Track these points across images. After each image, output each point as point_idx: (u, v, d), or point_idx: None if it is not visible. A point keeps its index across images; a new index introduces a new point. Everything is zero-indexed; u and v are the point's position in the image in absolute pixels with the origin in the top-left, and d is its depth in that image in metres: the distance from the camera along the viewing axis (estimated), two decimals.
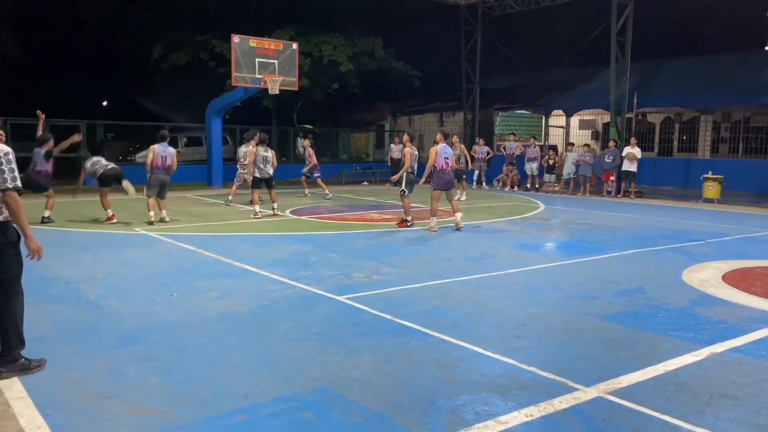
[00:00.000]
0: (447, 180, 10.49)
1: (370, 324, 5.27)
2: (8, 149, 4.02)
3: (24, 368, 4.06)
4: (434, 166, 10.37)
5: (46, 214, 10.77)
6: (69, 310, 5.56)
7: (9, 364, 4.05)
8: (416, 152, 10.95)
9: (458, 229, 10.47)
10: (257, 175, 12.09)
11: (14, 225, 4.07)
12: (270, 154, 12.16)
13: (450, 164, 10.51)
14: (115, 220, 10.85)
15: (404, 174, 10.78)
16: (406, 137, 11.35)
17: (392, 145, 21.04)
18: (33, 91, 29.55)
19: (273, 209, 12.37)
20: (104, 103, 37.78)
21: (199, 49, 23.58)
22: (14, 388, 3.84)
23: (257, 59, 17.10)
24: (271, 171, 12.14)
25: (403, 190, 10.78)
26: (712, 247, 9.43)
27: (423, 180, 11.03)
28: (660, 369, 4.28)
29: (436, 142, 10.58)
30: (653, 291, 6.54)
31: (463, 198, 15.27)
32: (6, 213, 4.01)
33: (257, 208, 11.99)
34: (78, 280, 6.69)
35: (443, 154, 10.38)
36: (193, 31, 23.66)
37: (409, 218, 10.82)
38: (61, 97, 30.54)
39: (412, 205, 11.12)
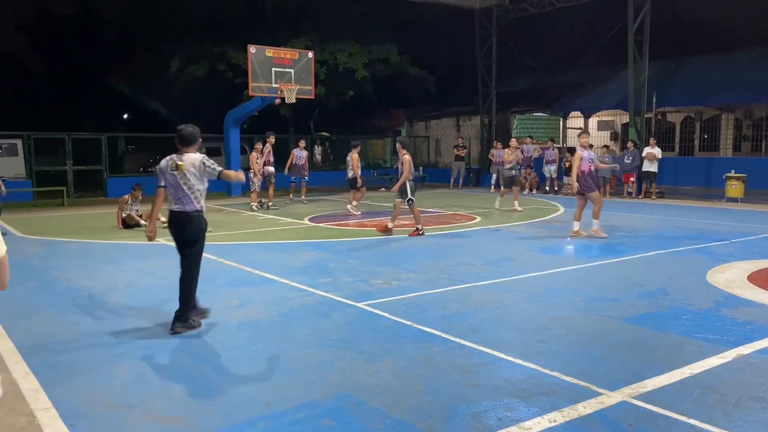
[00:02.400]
0: (581, 184, 10.18)
1: (389, 330, 5.25)
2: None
3: (192, 326, 5.14)
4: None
5: None
6: (91, 320, 5.63)
7: (182, 323, 5.11)
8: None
9: (580, 235, 10.11)
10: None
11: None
12: (349, 158, 13.73)
13: (591, 168, 10.15)
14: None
15: (406, 182, 10.28)
16: (398, 145, 10.84)
17: None
18: (54, 105, 30.07)
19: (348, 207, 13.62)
20: (125, 116, 38.30)
21: (216, 60, 23.82)
22: (39, 399, 3.88)
23: (273, 69, 17.23)
24: (349, 174, 13.69)
25: (410, 198, 10.30)
26: (736, 246, 9.27)
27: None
28: (686, 372, 4.21)
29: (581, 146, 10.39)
30: (677, 292, 6.44)
31: (497, 206, 14.52)
32: (203, 204, 5.18)
33: (353, 204, 13.65)
34: (101, 290, 6.76)
35: (586, 159, 10.15)
36: (209, 43, 23.93)
37: (420, 227, 10.42)
38: (82, 111, 31.03)
39: (425, 210, 10.92)
